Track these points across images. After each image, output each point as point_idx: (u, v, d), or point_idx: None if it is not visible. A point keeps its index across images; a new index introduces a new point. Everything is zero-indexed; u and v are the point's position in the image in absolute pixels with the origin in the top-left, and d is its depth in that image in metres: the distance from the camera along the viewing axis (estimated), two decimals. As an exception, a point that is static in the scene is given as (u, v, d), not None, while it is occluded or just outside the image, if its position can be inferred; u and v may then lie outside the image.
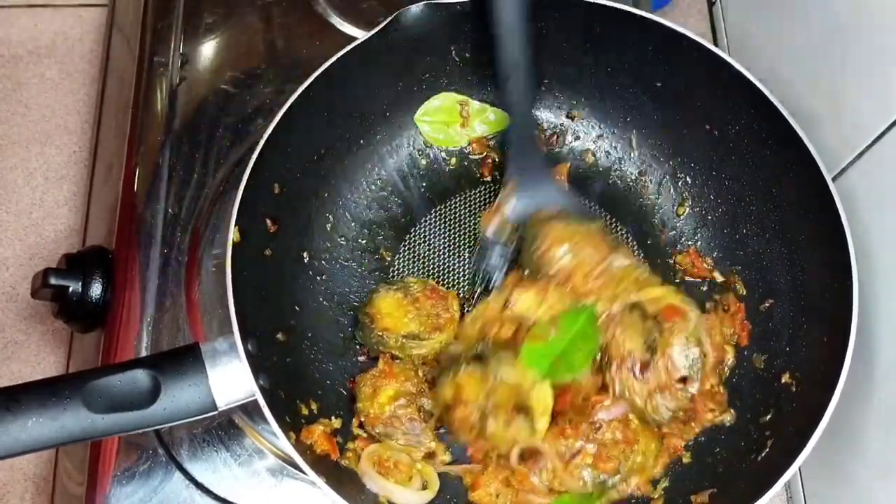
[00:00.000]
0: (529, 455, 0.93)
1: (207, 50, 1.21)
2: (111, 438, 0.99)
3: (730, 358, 1.01)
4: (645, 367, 0.91)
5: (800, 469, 1.07)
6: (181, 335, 1.05)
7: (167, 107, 1.17)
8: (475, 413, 0.89)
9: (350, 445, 0.95)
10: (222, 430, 1.01)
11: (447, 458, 0.96)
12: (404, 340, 0.99)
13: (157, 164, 1.13)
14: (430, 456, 0.96)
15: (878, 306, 0.91)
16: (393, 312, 1.00)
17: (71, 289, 1.04)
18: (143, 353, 1.04)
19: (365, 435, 0.96)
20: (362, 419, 0.96)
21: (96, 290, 1.06)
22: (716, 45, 1.30)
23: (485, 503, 0.93)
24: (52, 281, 1.03)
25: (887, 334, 0.90)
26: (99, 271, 1.07)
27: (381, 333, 0.99)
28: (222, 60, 1.21)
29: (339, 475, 0.91)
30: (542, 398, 0.89)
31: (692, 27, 1.29)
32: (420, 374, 0.98)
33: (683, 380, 0.92)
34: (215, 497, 0.98)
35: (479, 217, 1.08)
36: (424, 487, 0.93)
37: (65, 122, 1.37)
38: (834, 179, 0.94)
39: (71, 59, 1.41)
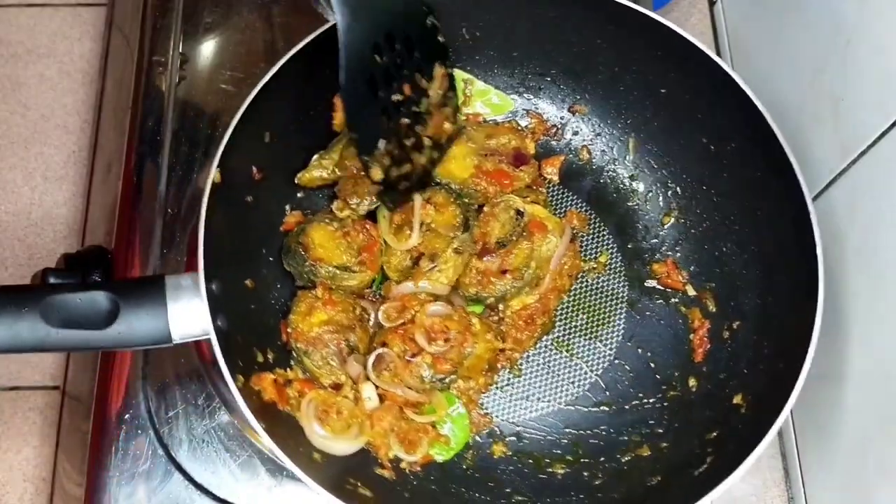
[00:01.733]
0: (378, 359, 0.97)
1: (207, 49, 1.21)
2: (111, 439, 1.00)
3: None
4: (487, 252, 1.02)
5: (801, 470, 1.07)
6: (180, 335, 1.05)
7: (166, 106, 1.16)
8: None
9: (290, 392, 0.95)
10: (222, 430, 1.01)
11: (350, 395, 0.98)
12: (336, 271, 1.00)
13: (156, 164, 1.13)
14: (336, 387, 0.98)
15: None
16: (326, 244, 1.01)
17: (70, 289, 1.04)
18: (143, 353, 1.04)
19: (302, 376, 0.97)
20: (289, 330, 0.98)
21: (95, 290, 1.06)
22: (716, 44, 1.30)
23: (379, 443, 0.96)
24: (51, 281, 1.03)
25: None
26: (98, 271, 1.07)
27: (313, 264, 1.00)
28: (222, 60, 1.20)
29: (280, 425, 0.91)
30: None
31: (693, 27, 1.29)
32: (356, 310, 1.00)
33: (505, 272, 1.01)
34: (214, 498, 0.98)
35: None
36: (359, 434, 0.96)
37: (64, 121, 1.37)
38: (832, 183, 0.94)
39: (70, 59, 1.40)
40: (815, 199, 1.02)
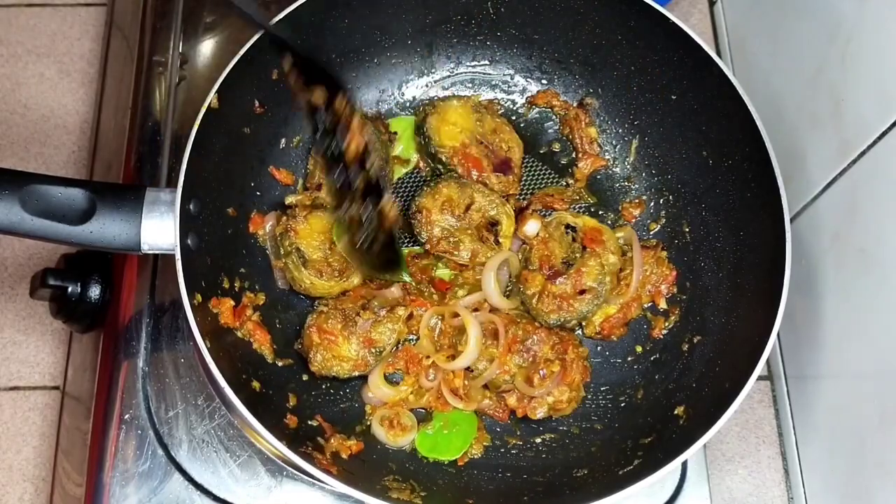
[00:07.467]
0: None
1: (206, 49, 1.21)
2: (111, 439, 1.00)
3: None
4: (558, 274, 1.01)
5: (801, 470, 1.07)
6: (180, 335, 1.05)
7: (166, 106, 1.16)
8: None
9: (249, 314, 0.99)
10: (221, 430, 1.01)
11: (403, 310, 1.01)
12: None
13: (156, 164, 1.13)
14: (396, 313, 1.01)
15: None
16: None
17: (70, 289, 1.04)
18: (143, 353, 1.04)
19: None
20: (333, 374, 0.99)
21: (95, 290, 1.06)
22: (716, 44, 1.30)
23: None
24: (51, 281, 1.03)
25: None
26: (98, 271, 1.07)
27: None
28: (221, 60, 1.20)
29: (226, 351, 0.92)
30: None
31: (693, 27, 1.28)
32: (349, 304, 1.01)
33: (583, 291, 1.00)
34: (214, 498, 0.98)
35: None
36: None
37: (63, 121, 1.37)
38: (832, 182, 0.94)
39: (70, 59, 1.40)
40: (814, 199, 1.02)
